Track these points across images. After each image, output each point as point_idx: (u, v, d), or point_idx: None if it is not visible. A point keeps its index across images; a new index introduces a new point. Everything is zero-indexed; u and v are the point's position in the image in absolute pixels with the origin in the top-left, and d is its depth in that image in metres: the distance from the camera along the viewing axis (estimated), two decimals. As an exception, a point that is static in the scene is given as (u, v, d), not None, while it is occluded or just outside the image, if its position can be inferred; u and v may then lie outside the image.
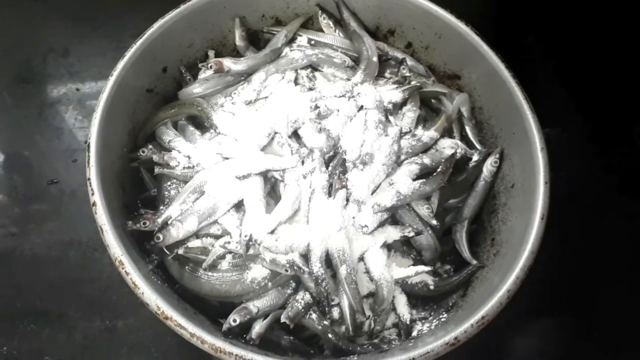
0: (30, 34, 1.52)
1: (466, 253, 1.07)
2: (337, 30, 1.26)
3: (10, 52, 1.50)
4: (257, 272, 0.95)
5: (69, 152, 1.35)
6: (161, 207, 1.02)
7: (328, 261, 0.95)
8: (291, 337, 0.96)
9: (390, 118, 1.12)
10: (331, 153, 1.05)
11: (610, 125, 1.47)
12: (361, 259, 0.99)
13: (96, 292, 1.17)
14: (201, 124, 1.13)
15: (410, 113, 1.12)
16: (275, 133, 1.05)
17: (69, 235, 1.24)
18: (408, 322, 0.99)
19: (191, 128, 1.12)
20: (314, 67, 1.21)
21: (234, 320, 0.91)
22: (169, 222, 0.97)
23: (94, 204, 0.90)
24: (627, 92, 1.51)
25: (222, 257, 0.99)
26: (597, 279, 1.24)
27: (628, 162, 1.43)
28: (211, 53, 1.26)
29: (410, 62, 1.24)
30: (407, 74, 1.20)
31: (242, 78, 1.17)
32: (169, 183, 1.05)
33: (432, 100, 1.21)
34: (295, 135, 1.08)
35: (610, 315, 1.21)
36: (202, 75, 1.20)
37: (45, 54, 1.50)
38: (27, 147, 1.37)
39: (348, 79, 1.14)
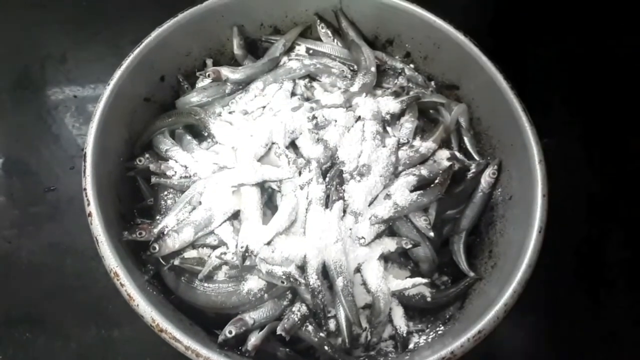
0: (28, 40, 1.52)
1: (464, 265, 1.06)
2: (335, 40, 1.26)
3: (8, 58, 1.50)
4: (253, 284, 0.95)
5: (67, 159, 1.35)
6: (157, 217, 1.02)
7: (325, 273, 0.95)
8: (287, 349, 0.96)
9: (388, 129, 1.12)
10: (328, 164, 1.05)
11: (608, 135, 1.46)
12: (358, 270, 0.99)
13: (92, 301, 1.16)
14: (198, 133, 1.13)
15: (408, 124, 1.12)
16: (273, 143, 1.05)
17: (66, 243, 1.23)
18: (405, 335, 0.99)
19: (188, 137, 1.12)
20: (312, 77, 1.21)
21: (230, 332, 0.91)
22: (165, 232, 0.97)
23: (90, 214, 0.90)
24: (625, 101, 1.50)
25: (218, 268, 0.98)
26: (597, 289, 1.24)
27: (628, 169, 1.42)
28: (209, 62, 1.25)
29: (408, 72, 1.24)
30: (406, 84, 1.20)
31: (240, 87, 1.17)
32: (165, 193, 1.05)
33: (431, 111, 1.21)
34: (292, 145, 1.08)
35: (610, 323, 1.21)
36: (200, 84, 1.21)
37: (43, 60, 1.50)
38: (25, 153, 1.36)
39: (346, 89, 1.14)
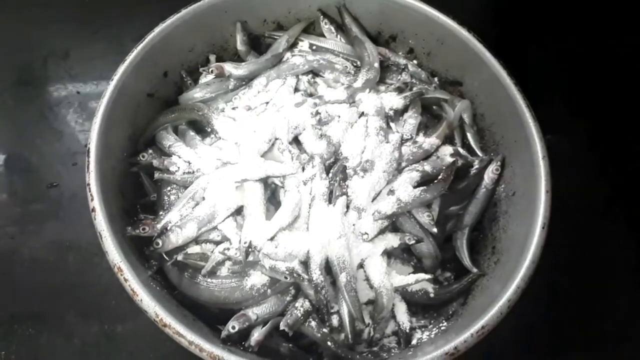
0: (30, 37, 1.52)
1: (467, 261, 1.06)
2: (338, 36, 1.26)
3: (11, 54, 1.50)
4: (256, 279, 0.95)
5: (69, 155, 1.35)
6: (161, 213, 1.02)
7: (328, 268, 0.95)
8: (290, 345, 0.96)
9: (392, 124, 1.12)
10: (332, 159, 1.05)
11: (611, 131, 1.46)
12: (361, 266, 0.98)
13: (95, 296, 1.16)
14: (202, 128, 1.13)
15: (411, 119, 1.12)
16: (276, 139, 1.05)
17: (69, 239, 1.23)
18: (408, 330, 0.99)
19: (191, 133, 1.12)
20: (315, 73, 1.20)
21: (233, 327, 0.91)
22: (168, 228, 0.97)
23: (93, 209, 0.90)
24: (628, 98, 1.50)
25: (222, 263, 0.98)
26: (598, 288, 1.24)
27: (629, 169, 1.42)
28: (212, 57, 1.25)
29: (411, 68, 1.24)
30: (409, 80, 1.20)
31: (243, 83, 1.17)
32: (168, 188, 1.05)
33: (434, 107, 1.21)
34: (296, 141, 1.08)
35: (610, 323, 1.21)
36: (203, 79, 1.21)
37: (46, 56, 1.50)
38: (28, 149, 1.36)
39: (349, 85, 1.14)
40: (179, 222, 0.97)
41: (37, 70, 1.48)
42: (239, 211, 1.00)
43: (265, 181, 1.02)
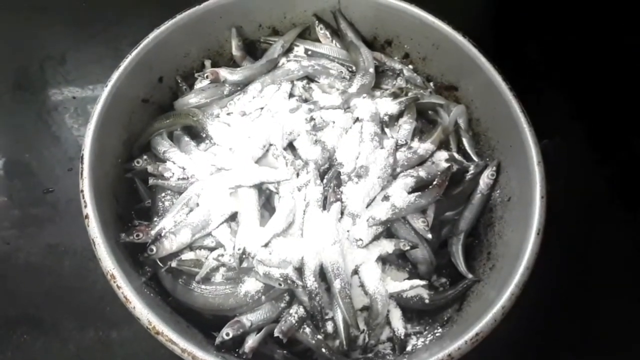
0: (27, 41, 1.52)
1: (462, 266, 1.06)
2: (334, 41, 1.26)
3: (7, 59, 1.50)
4: (250, 286, 0.95)
5: (66, 160, 1.35)
6: (155, 219, 1.02)
7: (322, 275, 0.94)
8: (284, 351, 0.96)
9: (386, 130, 1.12)
10: (326, 165, 1.04)
11: (610, 134, 1.46)
12: (356, 272, 0.98)
13: (90, 302, 1.16)
14: (197, 134, 1.13)
15: (406, 125, 1.12)
16: (270, 145, 1.05)
17: (64, 245, 1.23)
18: (402, 337, 0.99)
19: (186, 138, 1.11)
20: (310, 78, 1.20)
21: (227, 334, 0.91)
22: (162, 234, 0.97)
23: (87, 216, 0.90)
24: (627, 100, 1.50)
25: (216, 269, 0.98)
26: (597, 289, 1.24)
27: (628, 171, 1.42)
28: (207, 63, 1.25)
29: (407, 73, 1.24)
30: (404, 85, 1.20)
31: (238, 88, 1.17)
32: (163, 194, 1.05)
33: (429, 112, 1.21)
34: (290, 147, 1.08)
35: (609, 325, 1.20)
36: (198, 85, 1.21)
37: (43, 61, 1.50)
38: (25, 154, 1.36)
39: (344, 91, 1.14)
40: (173, 229, 0.97)
41: (34, 74, 1.48)
42: (233, 217, 1.00)
43: (260, 187, 1.02)
